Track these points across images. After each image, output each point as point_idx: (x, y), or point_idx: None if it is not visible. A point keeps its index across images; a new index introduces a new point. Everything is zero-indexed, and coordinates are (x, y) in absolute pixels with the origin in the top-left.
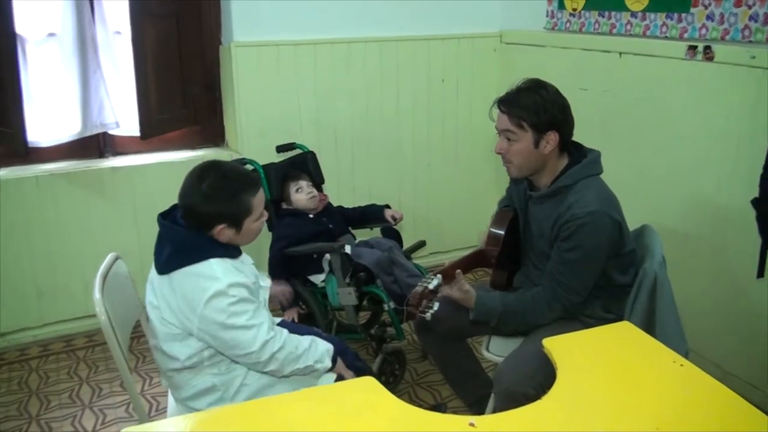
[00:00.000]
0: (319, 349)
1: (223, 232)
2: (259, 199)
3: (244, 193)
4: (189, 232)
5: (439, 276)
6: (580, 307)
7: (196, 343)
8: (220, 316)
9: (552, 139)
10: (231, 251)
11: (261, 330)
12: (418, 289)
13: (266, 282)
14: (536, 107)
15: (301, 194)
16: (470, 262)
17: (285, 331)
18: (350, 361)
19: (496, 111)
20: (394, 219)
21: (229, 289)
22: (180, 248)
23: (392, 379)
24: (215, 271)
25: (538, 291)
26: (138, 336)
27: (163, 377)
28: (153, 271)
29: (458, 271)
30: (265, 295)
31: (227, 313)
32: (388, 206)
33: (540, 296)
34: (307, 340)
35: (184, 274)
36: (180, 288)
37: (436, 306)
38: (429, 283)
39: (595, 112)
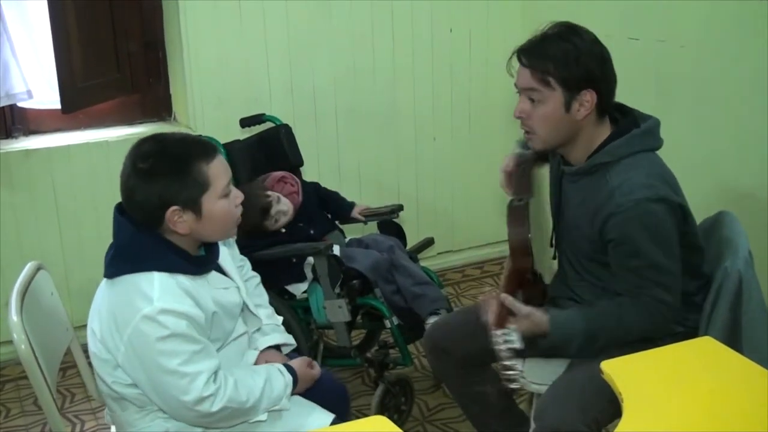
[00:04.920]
0: (275, 390)
1: (179, 221)
2: (219, 169)
3: (194, 160)
4: (137, 233)
5: (513, 328)
6: None
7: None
8: (145, 348)
9: (588, 100)
10: (189, 264)
11: (196, 382)
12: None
13: (263, 321)
14: (566, 58)
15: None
16: (511, 288)
17: (233, 379)
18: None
19: (516, 64)
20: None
21: (160, 316)
22: (122, 251)
23: (397, 416)
24: (152, 289)
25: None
26: (65, 367)
27: (107, 411)
28: (101, 283)
29: (504, 296)
30: (240, 337)
31: (153, 348)
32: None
33: (628, 304)
34: (261, 378)
35: (121, 283)
36: (111, 302)
37: (515, 337)
38: (511, 343)
39: (648, 68)
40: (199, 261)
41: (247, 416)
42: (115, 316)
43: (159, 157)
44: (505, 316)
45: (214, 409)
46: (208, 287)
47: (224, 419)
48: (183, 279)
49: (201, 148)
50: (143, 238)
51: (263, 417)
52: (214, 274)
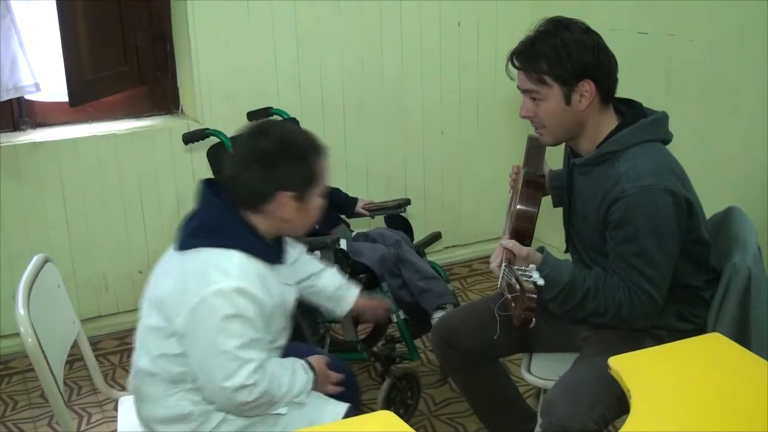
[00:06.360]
0: (297, 385)
1: (286, 205)
2: (326, 168)
3: (315, 154)
4: (227, 211)
5: (532, 266)
6: None
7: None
8: (207, 322)
9: (587, 90)
10: (269, 251)
11: (243, 369)
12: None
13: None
14: (557, 55)
15: None
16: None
17: (271, 372)
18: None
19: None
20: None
21: (233, 294)
22: (208, 225)
23: (403, 410)
24: (231, 265)
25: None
26: (72, 359)
27: (133, 377)
28: (166, 254)
29: (506, 241)
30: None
31: (216, 324)
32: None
33: (614, 282)
34: (287, 371)
35: (198, 255)
36: (184, 270)
37: (535, 275)
38: (529, 279)
39: (658, 62)
40: (276, 250)
41: (270, 409)
42: (186, 283)
43: (287, 144)
44: (508, 258)
45: (250, 398)
46: (277, 278)
47: (252, 409)
48: (259, 264)
49: (319, 144)
50: (231, 217)
51: (283, 410)
52: (280, 267)
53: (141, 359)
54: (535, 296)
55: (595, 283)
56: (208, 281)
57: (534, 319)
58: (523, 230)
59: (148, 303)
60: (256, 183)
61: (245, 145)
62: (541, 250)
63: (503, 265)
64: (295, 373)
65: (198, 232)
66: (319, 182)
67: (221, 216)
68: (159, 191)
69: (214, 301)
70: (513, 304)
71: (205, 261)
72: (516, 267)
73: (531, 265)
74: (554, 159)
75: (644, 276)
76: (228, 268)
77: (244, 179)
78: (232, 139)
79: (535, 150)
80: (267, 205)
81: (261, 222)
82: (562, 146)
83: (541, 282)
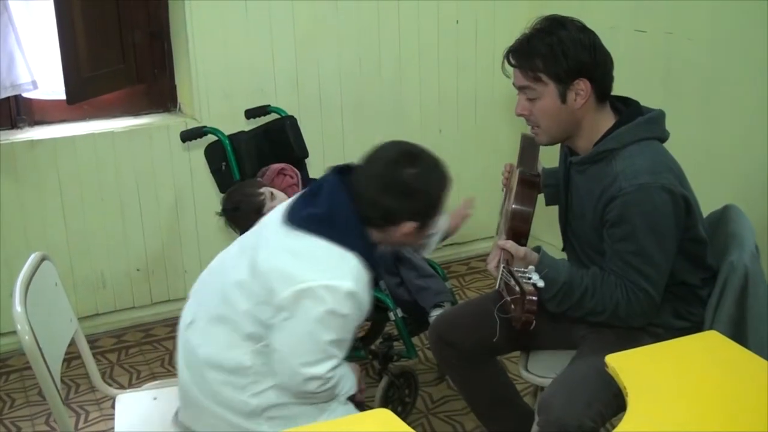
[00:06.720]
0: (346, 384)
1: (407, 232)
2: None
3: (446, 190)
4: (355, 213)
5: (531, 268)
6: None
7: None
8: (309, 310)
9: (582, 88)
10: (375, 264)
11: (326, 363)
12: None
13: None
14: (553, 53)
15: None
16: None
17: (342, 371)
18: None
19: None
20: None
21: (345, 295)
22: (333, 219)
23: (401, 408)
24: (350, 267)
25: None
26: (70, 357)
27: (200, 316)
28: (261, 224)
29: (503, 242)
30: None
31: (318, 314)
32: None
33: (611, 281)
34: (348, 374)
35: (315, 242)
36: (294, 251)
37: (535, 277)
38: (528, 281)
39: (656, 60)
40: (379, 263)
41: (319, 403)
42: (297, 265)
43: (429, 180)
44: (506, 259)
45: (317, 390)
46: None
47: (309, 397)
48: (366, 273)
49: (450, 178)
50: (357, 220)
51: (327, 406)
52: None
53: (220, 307)
54: (535, 298)
55: (592, 282)
56: (324, 273)
57: (534, 321)
58: (519, 230)
59: (244, 261)
60: (390, 209)
61: (390, 168)
62: (537, 249)
63: (501, 266)
64: (347, 374)
65: (322, 222)
66: (439, 213)
67: (349, 217)
68: (157, 189)
69: (324, 293)
70: (513, 306)
71: (323, 252)
72: (515, 268)
73: (530, 267)
74: (549, 157)
75: (642, 274)
76: (346, 270)
77: (380, 202)
78: (231, 137)
79: (529, 149)
80: (389, 226)
81: (374, 233)
82: (558, 144)
83: (541, 284)
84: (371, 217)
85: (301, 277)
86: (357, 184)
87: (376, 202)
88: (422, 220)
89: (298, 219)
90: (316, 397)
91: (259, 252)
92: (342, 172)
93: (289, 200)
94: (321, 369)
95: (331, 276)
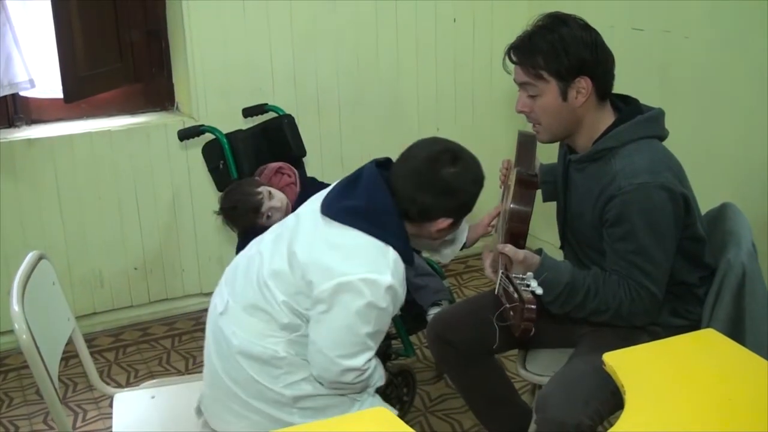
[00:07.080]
0: (375, 377)
1: (441, 227)
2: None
3: (480, 190)
4: (394, 207)
5: (530, 274)
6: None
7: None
8: (348, 302)
9: (583, 86)
10: (410, 258)
11: (362, 355)
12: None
13: None
14: (555, 50)
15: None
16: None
17: (375, 363)
18: None
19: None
20: None
21: (384, 289)
22: (373, 213)
23: (399, 406)
24: (389, 262)
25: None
26: (67, 356)
27: (234, 304)
28: (297, 214)
29: (501, 246)
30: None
31: (357, 307)
32: None
33: (614, 280)
34: (373, 361)
35: (354, 235)
36: (333, 243)
37: (533, 284)
38: (527, 288)
39: (653, 59)
40: (413, 257)
41: (353, 392)
42: (338, 256)
43: (468, 181)
44: (504, 263)
45: (352, 381)
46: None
47: (342, 388)
48: (403, 266)
49: (484, 177)
50: (397, 215)
51: (359, 397)
52: None
53: (256, 295)
54: (534, 307)
55: (594, 282)
56: (363, 267)
57: (533, 329)
58: (517, 231)
59: (281, 250)
60: (428, 206)
61: (431, 165)
62: (539, 251)
63: (500, 271)
64: (378, 367)
65: (361, 214)
66: (471, 210)
67: (389, 211)
68: (154, 188)
69: (364, 287)
70: (512, 313)
71: (363, 245)
72: (513, 275)
73: (528, 273)
74: (547, 155)
75: (644, 272)
76: (385, 264)
77: (419, 199)
78: (229, 135)
79: (526, 146)
80: (425, 222)
81: (410, 227)
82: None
83: (539, 291)
84: (409, 212)
85: (341, 270)
86: (395, 179)
87: (415, 198)
88: (457, 216)
89: (335, 210)
90: (350, 388)
91: (296, 242)
92: (381, 165)
93: (324, 191)
94: (359, 361)
95: (370, 270)
